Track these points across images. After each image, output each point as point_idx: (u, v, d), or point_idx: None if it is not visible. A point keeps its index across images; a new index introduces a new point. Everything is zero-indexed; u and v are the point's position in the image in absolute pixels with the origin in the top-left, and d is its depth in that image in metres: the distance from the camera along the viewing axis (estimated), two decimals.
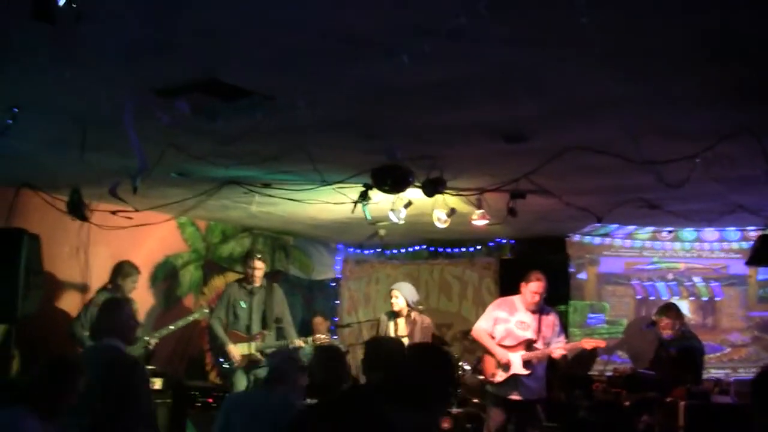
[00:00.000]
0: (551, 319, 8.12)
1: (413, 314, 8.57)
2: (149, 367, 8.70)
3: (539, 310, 8.05)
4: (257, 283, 8.89)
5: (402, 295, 8.59)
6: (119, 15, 3.55)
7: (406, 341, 8.50)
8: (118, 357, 5.17)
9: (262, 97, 4.66)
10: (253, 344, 8.65)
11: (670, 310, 8.57)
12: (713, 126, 5.07)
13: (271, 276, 9.78)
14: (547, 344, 8.00)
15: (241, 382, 8.66)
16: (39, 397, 4.40)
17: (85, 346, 7.69)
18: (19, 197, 7.92)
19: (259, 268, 8.89)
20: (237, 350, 8.65)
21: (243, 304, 8.82)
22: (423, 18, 3.48)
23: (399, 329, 8.61)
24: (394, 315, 8.65)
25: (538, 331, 7.99)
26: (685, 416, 7.42)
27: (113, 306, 5.55)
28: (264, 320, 8.86)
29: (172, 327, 8.64)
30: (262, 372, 8.70)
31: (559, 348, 8.01)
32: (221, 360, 8.84)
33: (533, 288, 7.96)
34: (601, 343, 8.61)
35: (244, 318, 8.79)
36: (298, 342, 8.73)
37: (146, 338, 8.41)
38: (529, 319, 8.02)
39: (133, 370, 5.12)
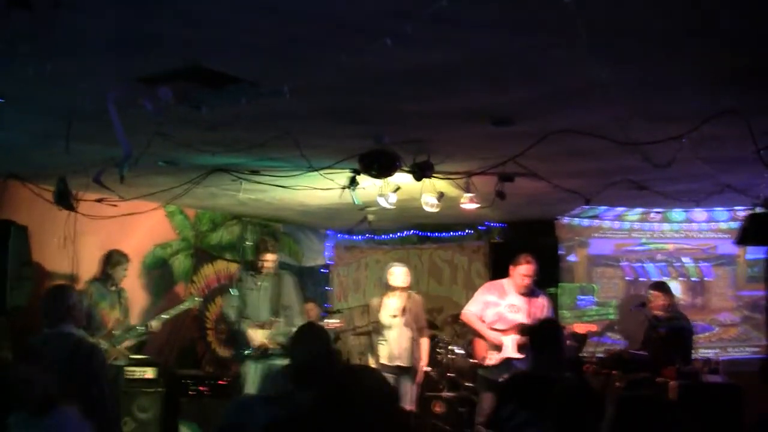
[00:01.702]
0: (542, 302, 8.14)
1: (409, 293, 8.76)
2: (141, 356, 8.74)
3: (529, 292, 8.06)
4: (267, 272, 8.83)
5: (405, 272, 8.80)
6: (103, 4, 3.52)
7: (399, 320, 8.56)
8: (79, 344, 5.22)
9: (246, 83, 4.64)
10: (262, 332, 8.61)
11: (663, 287, 8.62)
12: (700, 107, 5.06)
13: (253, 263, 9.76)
14: None
15: (252, 371, 8.62)
16: None
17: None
18: (6, 188, 7.91)
19: (271, 259, 8.83)
20: (257, 335, 8.60)
21: (252, 292, 8.77)
22: (409, 2, 3.46)
23: (393, 308, 8.64)
24: (386, 294, 8.68)
25: (529, 314, 8.00)
26: (675, 395, 7.46)
27: (61, 293, 5.53)
28: (273, 308, 8.80)
29: (165, 316, 8.63)
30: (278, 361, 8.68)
31: None
32: (240, 348, 8.75)
33: (522, 271, 7.98)
34: (593, 327, 8.64)
35: (254, 306, 8.75)
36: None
37: (148, 322, 8.43)
38: (520, 302, 8.04)
39: (93, 356, 5.15)
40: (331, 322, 8.98)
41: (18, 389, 4.17)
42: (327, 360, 4.37)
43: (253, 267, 8.89)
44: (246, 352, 8.61)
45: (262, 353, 8.55)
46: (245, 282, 8.83)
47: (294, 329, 8.49)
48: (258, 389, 8.45)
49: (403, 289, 8.69)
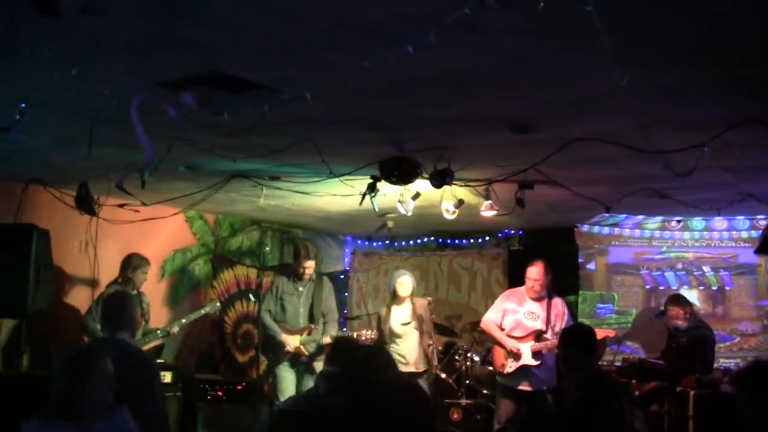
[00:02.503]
0: (560, 309, 8.12)
1: (413, 298, 8.72)
2: (159, 360, 8.76)
3: (546, 298, 8.05)
4: (306, 278, 8.80)
5: (412, 280, 8.73)
6: (123, 8, 3.55)
7: (413, 326, 8.54)
8: (135, 352, 5.22)
9: (268, 89, 4.66)
10: (299, 337, 8.59)
11: (678, 300, 8.58)
12: (722, 116, 5.05)
13: (280, 269, 9.77)
14: (557, 334, 7.99)
15: (286, 376, 8.60)
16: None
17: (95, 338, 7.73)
18: (28, 193, 7.95)
19: (310, 266, 8.77)
20: (291, 339, 8.59)
21: (291, 297, 8.73)
22: (430, 9, 3.47)
23: (402, 317, 8.63)
24: (394, 303, 8.67)
25: (547, 321, 7.98)
26: (694, 406, 7.42)
27: (125, 300, 5.54)
28: (311, 314, 8.77)
29: (184, 320, 8.65)
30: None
31: None
32: (273, 352, 8.70)
33: (530, 274, 8.00)
34: (611, 333, 8.59)
35: (292, 311, 8.71)
36: (326, 339, 8.60)
37: (168, 327, 8.45)
38: (538, 309, 8.03)
39: (149, 365, 5.13)
40: (365, 334, 8.90)
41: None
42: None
43: (294, 273, 8.84)
44: (280, 356, 8.56)
45: (296, 358, 8.52)
46: (285, 287, 8.78)
47: (329, 338, 8.54)
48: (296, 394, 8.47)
49: (409, 296, 8.68)
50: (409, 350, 8.57)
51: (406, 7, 3.48)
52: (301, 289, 8.72)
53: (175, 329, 8.46)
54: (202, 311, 9.01)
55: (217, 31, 3.86)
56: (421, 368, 8.58)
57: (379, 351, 4.84)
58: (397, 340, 8.60)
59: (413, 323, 8.60)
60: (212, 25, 3.78)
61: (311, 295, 8.75)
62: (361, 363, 4.42)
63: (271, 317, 8.69)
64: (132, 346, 5.27)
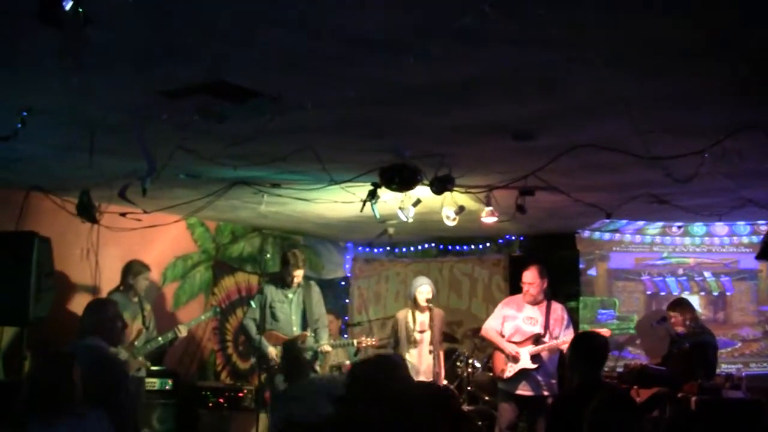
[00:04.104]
0: (559, 314, 8.15)
1: (432, 307, 8.66)
2: (160, 367, 8.77)
3: (545, 303, 8.07)
4: (295, 285, 8.76)
5: (432, 289, 8.70)
6: (126, 18, 3.56)
7: (428, 335, 8.52)
8: (100, 356, 5.22)
9: (269, 98, 4.67)
10: None
11: (680, 305, 8.58)
12: (722, 122, 5.06)
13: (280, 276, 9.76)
14: (556, 338, 8.00)
15: (283, 385, 8.54)
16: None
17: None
18: (30, 200, 7.94)
19: (299, 275, 8.74)
20: (274, 350, 8.54)
21: (282, 305, 8.68)
22: (431, 19, 3.48)
23: (417, 324, 8.62)
24: (413, 310, 8.64)
25: (546, 325, 8.00)
26: (696, 411, 7.42)
27: (97, 306, 5.68)
28: (304, 321, 8.73)
29: (182, 328, 8.65)
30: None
31: (566, 343, 8.02)
32: (265, 363, 8.64)
33: (525, 278, 8.08)
34: (606, 332, 8.58)
35: (284, 319, 8.67)
36: (326, 347, 8.54)
37: (178, 328, 8.46)
38: (537, 314, 8.06)
39: (111, 368, 5.15)
40: (365, 340, 8.85)
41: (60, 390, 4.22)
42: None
43: (282, 281, 8.81)
44: (273, 365, 8.50)
45: None
46: (274, 295, 8.73)
47: (321, 343, 8.50)
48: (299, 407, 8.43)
49: (427, 305, 8.63)
50: (421, 359, 8.56)
51: (407, 17, 3.49)
52: (291, 296, 8.69)
53: (183, 330, 8.46)
54: (202, 317, 9.06)
55: (218, 41, 3.87)
56: (429, 378, 8.54)
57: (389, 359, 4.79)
58: (410, 347, 8.59)
59: (428, 332, 8.58)
60: (214, 35, 3.79)
61: (302, 301, 8.72)
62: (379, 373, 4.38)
63: (255, 325, 8.66)
64: (99, 349, 5.27)
